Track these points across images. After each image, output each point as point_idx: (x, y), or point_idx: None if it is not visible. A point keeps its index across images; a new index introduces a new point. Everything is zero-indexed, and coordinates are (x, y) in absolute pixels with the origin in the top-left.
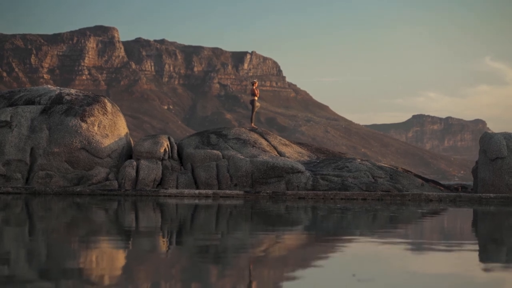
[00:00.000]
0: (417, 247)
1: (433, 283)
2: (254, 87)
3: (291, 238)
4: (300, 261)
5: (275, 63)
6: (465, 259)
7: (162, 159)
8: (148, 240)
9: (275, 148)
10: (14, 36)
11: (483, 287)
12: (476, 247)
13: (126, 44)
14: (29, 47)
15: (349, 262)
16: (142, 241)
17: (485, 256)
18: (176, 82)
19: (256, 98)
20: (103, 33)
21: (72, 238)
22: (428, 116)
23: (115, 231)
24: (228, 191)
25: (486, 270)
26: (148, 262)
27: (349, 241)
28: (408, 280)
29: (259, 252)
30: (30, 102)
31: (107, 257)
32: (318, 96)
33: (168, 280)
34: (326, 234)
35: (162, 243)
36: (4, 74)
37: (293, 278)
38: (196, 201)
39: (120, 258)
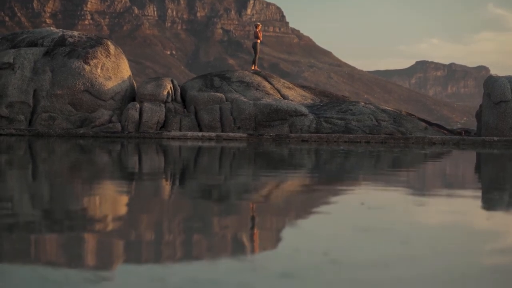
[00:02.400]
0: (421, 190)
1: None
2: (258, 30)
3: (293, 181)
4: (303, 204)
5: (278, 8)
6: (468, 203)
7: (166, 102)
8: (151, 183)
9: (278, 91)
10: None
11: (483, 233)
12: (479, 190)
13: None
14: None
15: (353, 204)
16: (145, 183)
17: (488, 199)
18: (179, 27)
19: (259, 41)
20: None
21: (75, 180)
22: (432, 62)
23: (118, 173)
24: (231, 134)
25: (488, 212)
26: (151, 204)
27: (352, 184)
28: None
29: (261, 195)
30: (33, 44)
31: (110, 200)
32: (321, 41)
33: (170, 223)
34: (328, 177)
35: (165, 186)
36: (7, 18)
37: (296, 221)
38: (199, 143)
39: (123, 200)
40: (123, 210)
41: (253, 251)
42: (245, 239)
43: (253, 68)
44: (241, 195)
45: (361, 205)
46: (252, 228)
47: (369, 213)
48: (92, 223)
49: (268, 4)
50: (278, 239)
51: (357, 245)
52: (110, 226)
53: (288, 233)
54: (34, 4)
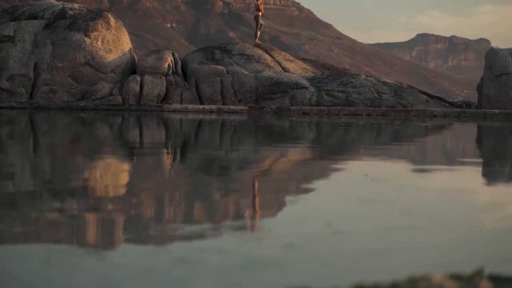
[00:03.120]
0: (422, 162)
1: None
2: (259, 2)
3: (295, 153)
4: (306, 177)
5: None
6: (469, 175)
7: (166, 75)
8: (152, 156)
9: (279, 63)
10: None
11: (485, 204)
12: (480, 164)
13: None
14: None
15: (355, 176)
16: (146, 156)
17: (489, 174)
18: (179, 0)
19: (260, 13)
20: None
21: (76, 153)
22: (432, 35)
23: (119, 146)
24: (232, 107)
25: (489, 187)
26: (152, 177)
27: (354, 156)
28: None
29: (264, 167)
30: (33, 16)
31: (111, 173)
32: (322, 14)
33: (174, 196)
34: (330, 150)
35: (166, 159)
36: None
37: (299, 193)
38: (201, 116)
39: (124, 173)
40: (125, 183)
41: (257, 222)
42: (249, 210)
43: (256, 41)
44: (244, 168)
45: (364, 177)
46: (256, 200)
47: (372, 185)
48: (94, 197)
49: None
50: (282, 211)
51: (360, 216)
52: (113, 199)
53: (292, 205)
54: None
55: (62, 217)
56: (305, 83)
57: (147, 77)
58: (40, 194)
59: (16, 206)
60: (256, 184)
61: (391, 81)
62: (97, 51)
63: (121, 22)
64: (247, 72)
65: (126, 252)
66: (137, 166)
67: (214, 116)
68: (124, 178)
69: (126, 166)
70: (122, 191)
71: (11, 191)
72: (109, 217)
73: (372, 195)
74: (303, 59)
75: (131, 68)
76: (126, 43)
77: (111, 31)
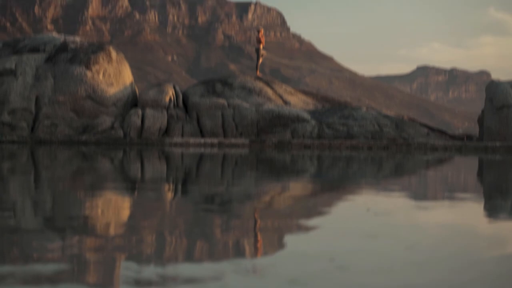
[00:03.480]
0: (425, 196)
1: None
2: (260, 35)
3: (297, 187)
4: (309, 210)
5: (279, 13)
6: (470, 210)
7: (168, 108)
8: (153, 190)
9: (280, 96)
10: None
11: (487, 239)
12: (482, 197)
13: None
14: None
15: (358, 210)
16: (147, 190)
17: (491, 208)
18: (180, 33)
19: (261, 46)
20: None
21: (78, 188)
22: (433, 67)
23: (120, 180)
24: (233, 140)
25: (492, 221)
26: (153, 212)
27: (356, 190)
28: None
29: (266, 201)
30: (34, 50)
31: (112, 207)
32: (322, 46)
33: (175, 231)
34: (332, 183)
35: (167, 194)
36: (8, 24)
37: (302, 227)
38: (202, 150)
39: (125, 207)
40: (125, 220)
41: (260, 257)
42: (252, 245)
43: (258, 74)
44: (246, 202)
45: (366, 211)
46: (259, 234)
47: (375, 219)
48: (95, 231)
49: (269, 9)
50: (284, 245)
51: (363, 251)
52: (113, 237)
53: (295, 239)
54: (35, 10)
55: (62, 255)
56: (306, 116)
57: (149, 111)
58: (40, 231)
59: (16, 243)
60: (258, 219)
61: (392, 114)
62: (98, 84)
63: (123, 55)
64: (248, 106)
65: None
66: (137, 202)
67: (215, 150)
68: (124, 215)
69: (126, 202)
70: (122, 228)
71: (11, 228)
72: (109, 256)
73: (375, 230)
74: (304, 92)
75: (133, 102)
76: (127, 76)
77: (112, 64)
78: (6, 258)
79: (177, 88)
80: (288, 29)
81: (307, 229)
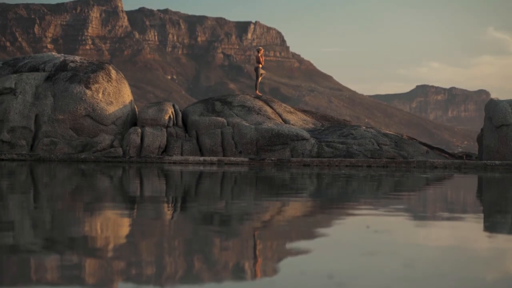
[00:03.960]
0: (424, 214)
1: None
2: (260, 55)
3: (297, 205)
4: (308, 228)
5: (278, 33)
6: (469, 228)
7: (167, 126)
8: (153, 208)
9: (280, 115)
10: (17, 5)
11: (486, 257)
12: (482, 216)
13: (130, 13)
14: (32, 16)
15: (358, 228)
16: (147, 208)
17: (491, 226)
18: (180, 52)
19: (261, 65)
20: (107, 2)
21: (77, 206)
22: (432, 86)
23: (119, 198)
24: (233, 158)
25: (491, 239)
26: (152, 230)
27: (354, 210)
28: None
29: (265, 219)
30: (34, 69)
31: (111, 225)
32: (322, 66)
33: (173, 249)
34: (332, 201)
35: (167, 211)
36: (8, 44)
37: (301, 245)
38: (201, 167)
39: (124, 225)
40: (124, 239)
41: (259, 275)
42: (250, 263)
43: (257, 92)
44: (245, 220)
45: (366, 229)
46: (257, 252)
47: (374, 237)
48: (94, 250)
49: (269, 28)
50: (283, 263)
51: (362, 268)
52: (111, 256)
53: (294, 257)
54: (35, 29)
55: (60, 271)
56: (306, 134)
57: (148, 129)
58: (39, 249)
59: (15, 262)
60: (257, 237)
61: (391, 133)
62: (98, 103)
63: (122, 74)
64: (247, 124)
65: None
66: (136, 221)
67: (214, 168)
68: (123, 233)
69: (125, 221)
70: (121, 247)
71: (9, 245)
72: (106, 276)
73: (374, 247)
74: (304, 111)
75: (132, 120)
76: (127, 95)
77: (112, 83)
78: (5, 277)
79: (177, 106)
80: (287, 48)
81: (306, 247)
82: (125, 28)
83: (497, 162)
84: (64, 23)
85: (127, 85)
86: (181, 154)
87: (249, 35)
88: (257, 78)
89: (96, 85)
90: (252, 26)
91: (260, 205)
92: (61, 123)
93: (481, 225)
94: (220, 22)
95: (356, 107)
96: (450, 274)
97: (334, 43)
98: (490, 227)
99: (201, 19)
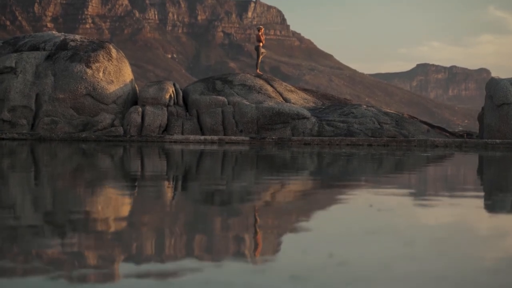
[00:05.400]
0: (424, 195)
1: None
2: (260, 33)
3: (298, 184)
4: (307, 209)
5: (279, 11)
6: (471, 207)
7: (168, 105)
8: (153, 187)
9: (280, 94)
10: None
11: (486, 235)
12: (482, 194)
13: None
14: None
15: (356, 210)
16: (147, 187)
17: (491, 204)
18: (180, 31)
19: (261, 44)
20: None
21: (78, 184)
22: (433, 65)
23: (120, 177)
24: (233, 137)
25: (492, 217)
26: (153, 209)
27: (355, 188)
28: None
29: (267, 198)
30: (34, 48)
31: (112, 204)
32: (322, 45)
33: (176, 227)
34: (332, 181)
35: (167, 190)
36: (7, 22)
37: (300, 227)
38: (202, 147)
39: (125, 204)
40: (125, 216)
41: (261, 253)
42: (252, 241)
43: (257, 71)
44: (246, 199)
45: (369, 207)
46: (259, 230)
47: (377, 215)
48: (96, 228)
49: (269, 7)
50: (285, 242)
51: (364, 247)
52: (112, 233)
53: (296, 236)
54: (35, 8)
55: (62, 251)
56: (306, 113)
57: (149, 108)
58: (39, 228)
59: (16, 240)
60: (259, 215)
61: (392, 111)
62: (98, 82)
63: (123, 53)
64: (248, 103)
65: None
66: (137, 199)
67: (215, 147)
68: (124, 211)
69: (126, 199)
70: (122, 224)
71: (10, 224)
72: (108, 252)
73: (377, 226)
74: (304, 90)
75: (133, 99)
76: (127, 74)
77: (112, 62)
78: (6, 255)
79: (177, 85)
80: (288, 27)
81: (308, 225)
82: (125, 7)
83: (497, 140)
84: (64, 2)
85: (127, 64)
86: (182, 133)
87: (250, 14)
88: (258, 57)
89: (97, 64)
90: (252, 4)
91: (260, 184)
92: (62, 102)
93: (482, 204)
94: (220, 0)
95: (356, 86)
96: (451, 253)
97: (334, 22)
98: (491, 206)
99: None
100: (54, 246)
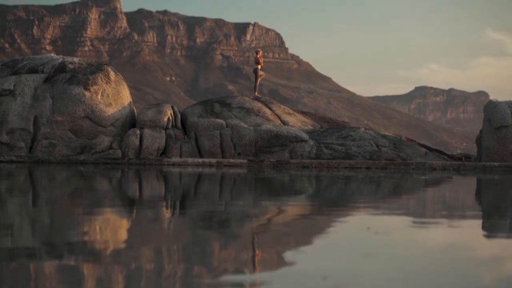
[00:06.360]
0: (421, 217)
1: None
2: (258, 56)
3: (296, 206)
4: (305, 232)
5: (277, 34)
6: (468, 231)
7: (166, 128)
8: (152, 209)
9: (278, 117)
10: (16, 7)
11: (485, 260)
12: (480, 217)
13: (129, 15)
14: (31, 18)
15: (353, 233)
16: (146, 210)
17: (489, 227)
18: (179, 54)
19: (259, 67)
20: (105, 4)
21: (76, 208)
22: (431, 87)
23: (118, 200)
24: (231, 160)
25: (490, 241)
26: (152, 232)
27: (353, 211)
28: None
29: (264, 220)
30: (33, 70)
31: (111, 227)
32: (320, 67)
33: (173, 250)
34: (330, 204)
35: (166, 212)
36: (7, 45)
37: (298, 250)
38: (200, 169)
39: (124, 227)
40: (124, 240)
41: (258, 275)
42: (249, 264)
43: (255, 94)
44: (244, 222)
45: (366, 230)
46: (256, 254)
47: (374, 238)
48: (94, 252)
49: (268, 30)
50: (283, 264)
51: (360, 269)
52: (111, 257)
53: (294, 258)
54: (34, 31)
55: (59, 274)
56: (305, 136)
57: (147, 131)
58: (38, 251)
59: (14, 263)
60: (256, 238)
61: (390, 134)
62: (96, 104)
63: (121, 76)
64: (246, 126)
65: None
66: (136, 222)
67: (213, 170)
68: (123, 235)
69: (125, 222)
70: (121, 248)
71: (9, 247)
72: (107, 275)
73: (374, 249)
74: (302, 112)
75: (131, 122)
76: (125, 97)
77: (110, 84)
78: (4, 281)
79: (176, 108)
80: (286, 50)
81: (305, 248)
82: (124, 29)
83: (496, 163)
84: (63, 24)
85: (126, 86)
86: (180, 156)
87: (248, 37)
88: (256, 79)
89: (95, 87)
90: (251, 27)
91: (258, 207)
92: (60, 125)
93: (480, 227)
94: (219, 23)
95: (355, 108)
96: (448, 276)
97: (332, 44)
98: (489, 229)
99: (200, 20)
100: (51, 271)
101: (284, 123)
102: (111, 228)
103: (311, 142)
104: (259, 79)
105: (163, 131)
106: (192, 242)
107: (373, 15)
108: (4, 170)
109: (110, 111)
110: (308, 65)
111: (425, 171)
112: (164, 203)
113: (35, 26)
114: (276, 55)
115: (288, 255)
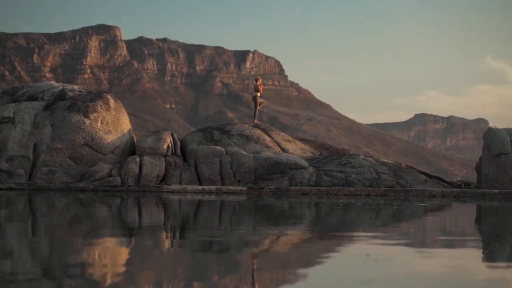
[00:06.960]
0: (421, 245)
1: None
2: (258, 84)
3: (296, 234)
4: (304, 259)
5: (277, 62)
6: (468, 258)
7: (165, 155)
8: (151, 237)
9: (278, 144)
10: (16, 35)
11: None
12: (480, 244)
13: (129, 43)
14: (31, 46)
15: (352, 260)
16: (145, 237)
17: (489, 255)
18: (179, 81)
19: (259, 94)
20: (106, 32)
21: (76, 235)
22: (430, 115)
23: (118, 227)
24: (231, 187)
25: (489, 268)
26: (151, 259)
27: (352, 238)
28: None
29: (264, 248)
30: (33, 98)
31: (110, 254)
32: (320, 95)
33: (171, 278)
34: (329, 231)
35: (165, 240)
36: (7, 73)
37: (297, 277)
38: (199, 197)
39: (123, 254)
40: (123, 268)
41: None
42: None
43: (255, 121)
44: (244, 250)
45: (366, 257)
46: (256, 280)
47: (373, 265)
48: (93, 280)
49: (267, 57)
50: None
51: None
52: (111, 283)
53: (293, 285)
54: (34, 59)
55: None
56: (304, 163)
57: (146, 158)
58: (37, 279)
59: None
60: (256, 265)
61: (389, 161)
62: (96, 132)
63: (121, 103)
64: (246, 153)
65: None
66: (135, 250)
67: (213, 197)
68: (122, 263)
69: (124, 250)
70: (120, 277)
71: (8, 275)
72: None
73: (373, 275)
74: (302, 139)
75: (130, 149)
76: (125, 124)
77: (110, 112)
78: None
79: (175, 135)
80: (286, 77)
81: (303, 275)
82: (124, 57)
83: (495, 190)
84: (63, 52)
85: (125, 114)
86: (180, 183)
87: (248, 64)
88: (256, 107)
89: (95, 114)
90: (250, 55)
91: (258, 234)
92: (60, 152)
93: (479, 255)
94: (219, 51)
95: (354, 135)
96: None
97: (332, 72)
98: (489, 257)
99: (200, 48)
100: None
101: (283, 150)
102: (110, 255)
103: (311, 169)
104: (258, 107)
105: (163, 159)
106: (190, 272)
107: (371, 43)
108: (3, 198)
109: (110, 138)
110: (307, 92)
111: (424, 198)
112: (163, 231)
113: (35, 54)
114: (276, 83)
115: (288, 281)
